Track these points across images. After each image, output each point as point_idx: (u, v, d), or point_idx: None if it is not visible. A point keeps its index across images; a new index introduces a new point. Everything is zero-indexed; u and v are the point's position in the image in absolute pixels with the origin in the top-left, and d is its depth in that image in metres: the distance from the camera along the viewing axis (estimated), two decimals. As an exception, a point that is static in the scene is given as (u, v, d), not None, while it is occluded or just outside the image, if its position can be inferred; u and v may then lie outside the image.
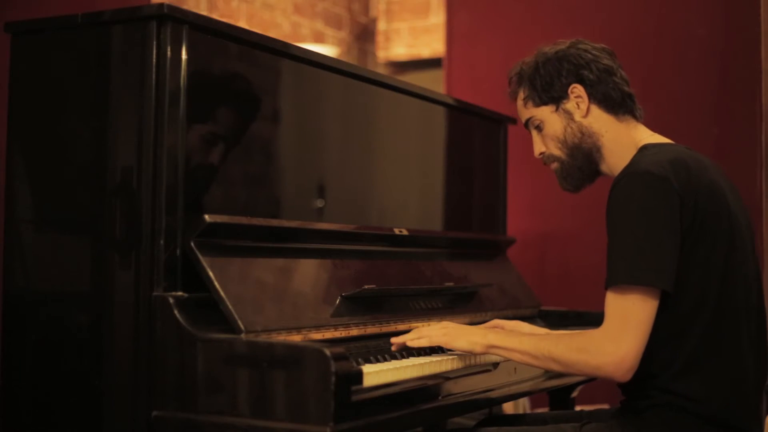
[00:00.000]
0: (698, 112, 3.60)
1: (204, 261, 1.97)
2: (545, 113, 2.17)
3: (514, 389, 2.39)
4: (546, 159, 2.21)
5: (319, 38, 5.57)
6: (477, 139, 3.14)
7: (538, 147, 2.22)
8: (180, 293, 1.97)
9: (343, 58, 4.94)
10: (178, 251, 1.99)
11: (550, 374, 2.52)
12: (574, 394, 2.91)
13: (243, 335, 1.90)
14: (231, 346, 1.86)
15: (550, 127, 2.17)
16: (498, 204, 3.20)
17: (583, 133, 2.13)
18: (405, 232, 2.57)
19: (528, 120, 2.21)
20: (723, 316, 1.94)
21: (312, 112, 2.42)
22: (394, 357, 2.12)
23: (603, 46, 2.19)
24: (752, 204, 3.31)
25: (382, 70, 5.68)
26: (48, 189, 2.15)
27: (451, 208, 3.00)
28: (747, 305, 1.99)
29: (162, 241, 1.98)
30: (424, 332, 2.12)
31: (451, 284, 2.63)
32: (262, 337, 1.92)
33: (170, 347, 1.92)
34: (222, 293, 1.94)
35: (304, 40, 5.38)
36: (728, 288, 1.95)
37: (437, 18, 5.68)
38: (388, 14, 5.95)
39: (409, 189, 2.81)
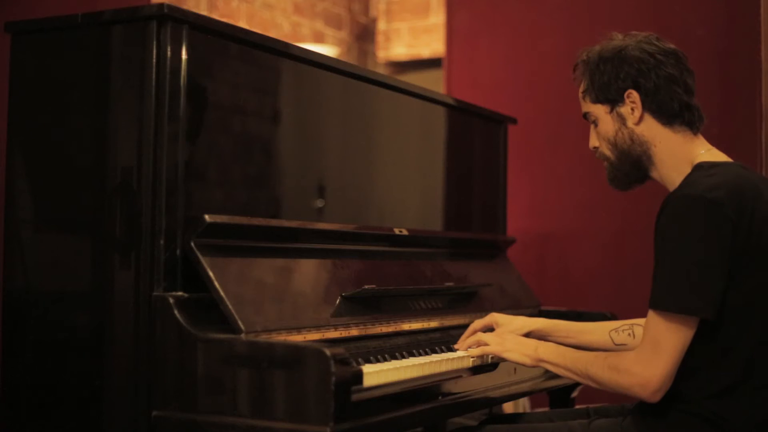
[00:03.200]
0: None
1: (204, 261, 1.97)
2: (600, 112, 2.13)
3: (514, 389, 2.39)
4: (598, 155, 2.18)
5: (319, 38, 5.56)
6: (477, 139, 3.14)
7: (593, 141, 2.18)
8: (180, 293, 1.97)
9: (343, 58, 4.94)
10: (178, 251, 1.99)
11: (550, 374, 2.51)
12: (574, 394, 2.91)
13: (243, 335, 1.90)
14: (231, 346, 1.86)
15: (603, 126, 2.13)
16: (498, 204, 3.20)
17: (633, 140, 2.09)
18: (405, 232, 2.57)
19: (586, 113, 2.19)
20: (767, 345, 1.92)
21: (312, 112, 2.42)
22: (393, 357, 2.12)
23: (673, 48, 2.10)
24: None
25: (382, 70, 5.68)
26: (48, 189, 2.15)
27: (451, 207, 3.00)
28: None
29: (162, 241, 1.98)
30: (482, 339, 2.20)
31: (451, 284, 2.63)
32: (262, 337, 1.92)
33: (170, 347, 1.92)
34: (222, 293, 1.94)
35: (304, 40, 5.38)
36: None
37: (437, 18, 5.68)
38: (388, 14, 5.94)
39: (409, 189, 2.81)
